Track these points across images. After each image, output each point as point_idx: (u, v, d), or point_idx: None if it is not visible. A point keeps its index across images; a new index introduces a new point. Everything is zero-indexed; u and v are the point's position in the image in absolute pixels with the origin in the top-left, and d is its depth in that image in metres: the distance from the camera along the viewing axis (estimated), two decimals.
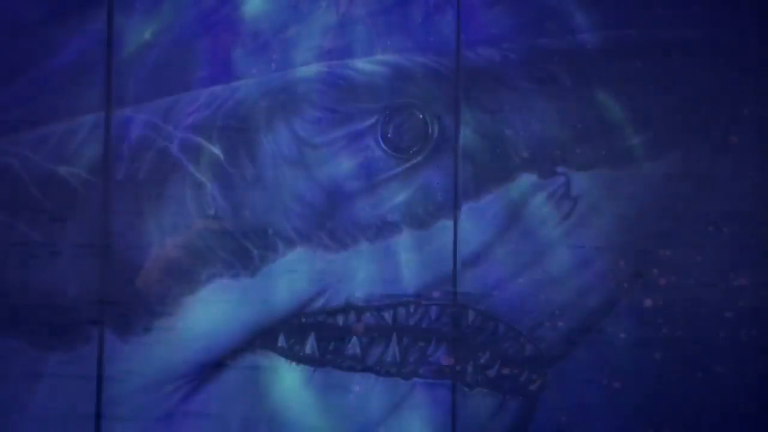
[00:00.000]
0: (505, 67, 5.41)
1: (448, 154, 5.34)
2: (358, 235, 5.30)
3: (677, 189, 5.43)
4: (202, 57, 5.30)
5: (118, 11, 5.26)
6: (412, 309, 5.33)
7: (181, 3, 5.32)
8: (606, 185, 5.39)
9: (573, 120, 5.41)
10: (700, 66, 5.45)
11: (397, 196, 5.31)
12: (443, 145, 5.34)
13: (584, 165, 5.40)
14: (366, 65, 5.37)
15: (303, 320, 5.30)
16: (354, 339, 5.32)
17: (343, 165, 5.31)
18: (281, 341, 5.30)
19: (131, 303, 5.19)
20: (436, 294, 5.32)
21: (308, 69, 5.35)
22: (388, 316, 5.33)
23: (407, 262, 5.32)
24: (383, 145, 5.32)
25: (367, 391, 5.32)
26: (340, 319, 5.32)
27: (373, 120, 5.33)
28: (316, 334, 5.30)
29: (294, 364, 5.30)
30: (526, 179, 5.37)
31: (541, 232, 5.37)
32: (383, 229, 5.30)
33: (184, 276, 5.22)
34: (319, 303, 5.31)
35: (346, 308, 5.32)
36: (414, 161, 5.33)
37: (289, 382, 5.29)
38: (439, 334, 5.33)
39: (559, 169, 5.38)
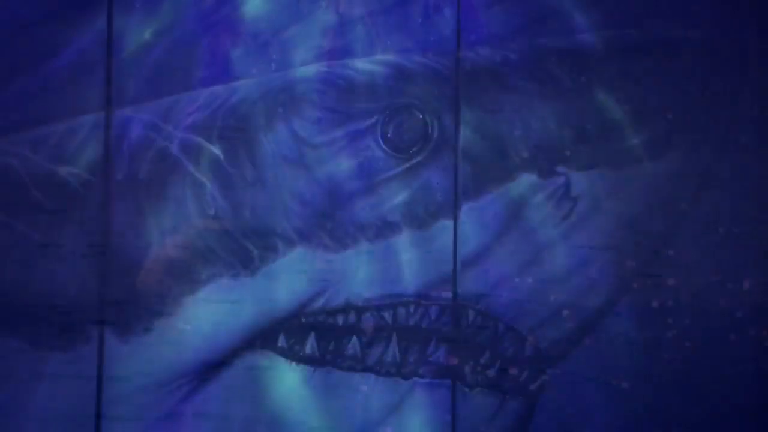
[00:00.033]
0: (505, 67, 5.41)
1: (448, 154, 5.34)
2: (358, 235, 5.30)
3: (677, 189, 5.43)
4: (202, 57, 5.30)
5: (118, 11, 5.26)
6: (412, 309, 5.33)
7: (181, 3, 5.32)
8: (606, 185, 5.38)
9: (573, 120, 5.41)
10: (700, 66, 5.45)
11: (397, 196, 5.31)
12: (443, 145, 5.34)
13: (584, 165, 5.39)
14: (366, 65, 5.37)
15: (303, 320, 5.30)
16: (354, 339, 5.32)
17: (343, 165, 5.31)
18: (281, 341, 5.30)
19: (131, 303, 5.19)
20: (436, 294, 5.32)
21: (308, 69, 5.35)
22: (388, 316, 5.33)
23: (407, 262, 5.32)
24: (383, 145, 5.32)
25: (367, 391, 5.32)
26: (340, 319, 5.32)
27: (373, 120, 5.33)
28: (316, 334, 5.30)
29: (294, 364, 5.30)
30: (526, 179, 5.37)
31: (541, 232, 5.37)
32: (383, 229, 5.30)
33: (184, 276, 5.22)
34: (319, 303, 5.31)
35: (346, 308, 5.32)
36: (414, 161, 5.33)
37: (289, 382, 5.29)
38: (439, 334, 5.34)
39: (559, 169, 5.38)
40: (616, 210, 5.39)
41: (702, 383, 5.39)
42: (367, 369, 5.33)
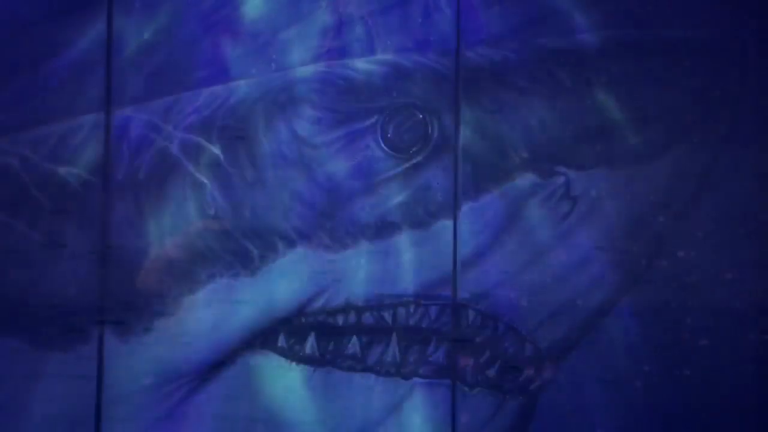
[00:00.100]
0: (505, 67, 5.40)
1: (448, 154, 5.34)
2: (358, 235, 5.30)
3: (677, 189, 5.43)
4: (202, 57, 5.31)
5: (118, 11, 5.26)
6: (412, 309, 5.33)
7: (181, 3, 5.32)
8: (606, 185, 5.38)
9: (573, 120, 5.40)
10: (700, 66, 5.44)
11: (397, 196, 5.31)
12: (443, 145, 5.34)
13: (584, 165, 5.39)
14: (366, 65, 5.37)
15: (303, 320, 5.31)
16: (354, 339, 5.32)
17: (343, 165, 5.31)
18: (281, 341, 5.30)
19: (131, 303, 5.19)
20: (435, 294, 5.32)
21: (308, 69, 5.35)
22: (388, 316, 5.33)
23: (407, 262, 5.32)
24: (383, 145, 5.32)
25: (367, 391, 5.32)
26: (340, 319, 5.32)
27: (373, 120, 5.33)
28: (316, 334, 5.30)
29: (294, 364, 5.30)
30: (526, 179, 5.36)
31: (541, 232, 5.36)
32: (383, 229, 5.30)
33: (184, 276, 5.22)
34: (319, 303, 5.31)
35: (346, 308, 5.32)
36: (414, 161, 5.33)
37: (289, 382, 5.29)
38: (439, 334, 5.34)
39: (559, 169, 5.38)
40: (616, 210, 5.38)
41: (702, 383, 5.39)
42: (367, 369, 5.33)
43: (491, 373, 5.37)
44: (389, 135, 5.33)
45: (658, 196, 5.42)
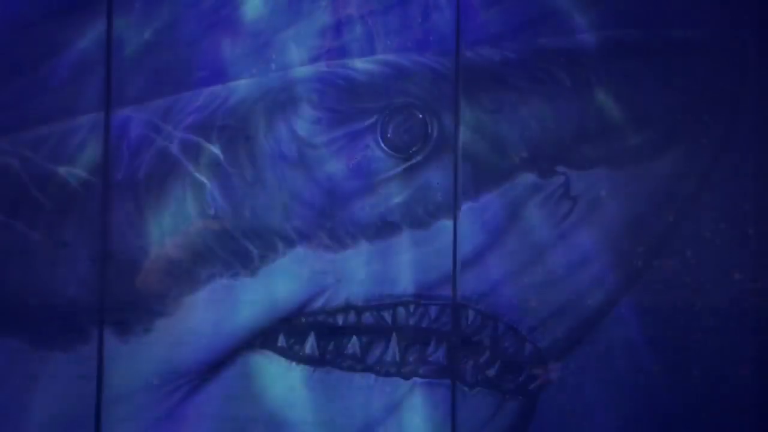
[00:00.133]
0: (505, 67, 5.41)
1: (447, 154, 5.34)
2: (358, 235, 5.30)
3: (677, 189, 5.43)
4: (202, 57, 5.31)
5: (118, 11, 5.26)
6: (412, 309, 5.33)
7: (181, 3, 5.32)
8: (606, 185, 5.38)
9: (573, 120, 5.40)
10: (700, 66, 5.44)
11: (397, 196, 5.31)
12: (443, 145, 5.34)
13: (584, 165, 5.39)
14: (366, 65, 5.37)
15: (303, 320, 5.31)
16: (354, 339, 5.32)
17: (343, 165, 5.31)
18: (281, 341, 5.30)
19: (131, 303, 5.19)
20: (435, 294, 5.32)
21: (308, 69, 5.35)
22: (388, 316, 5.33)
23: (407, 262, 5.32)
24: (383, 145, 5.32)
25: (367, 391, 5.32)
26: (340, 319, 5.32)
27: (372, 120, 5.33)
28: (316, 334, 5.30)
29: (294, 364, 5.30)
30: (526, 179, 5.36)
31: (540, 232, 5.36)
32: (383, 229, 5.30)
33: (184, 276, 5.22)
34: (319, 303, 5.31)
35: (346, 308, 5.32)
36: (414, 161, 5.33)
37: (289, 382, 5.29)
38: (438, 334, 5.34)
39: (559, 168, 5.38)
40: (615, 210, 5.38)
41: (702, 383, 5.39)
42: (367, 369, 5.33)
43: (491, 373, 5.37)
44: (389, 135, 5.33)
45: (658, 196, 5.42)
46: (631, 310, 5.41)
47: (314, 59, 5.36)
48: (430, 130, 5.34)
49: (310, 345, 5.30)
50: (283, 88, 5.33)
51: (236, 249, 5.24)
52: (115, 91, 5.23)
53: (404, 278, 5.31)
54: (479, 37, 5.41)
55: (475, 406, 5.36)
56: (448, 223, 5.32)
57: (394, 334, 5.32)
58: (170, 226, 5.23)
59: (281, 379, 5.29)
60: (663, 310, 5.40)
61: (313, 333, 5.30)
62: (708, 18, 5.47)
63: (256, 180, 5.27)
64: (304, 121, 5.32)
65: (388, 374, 5.32)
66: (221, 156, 5.27)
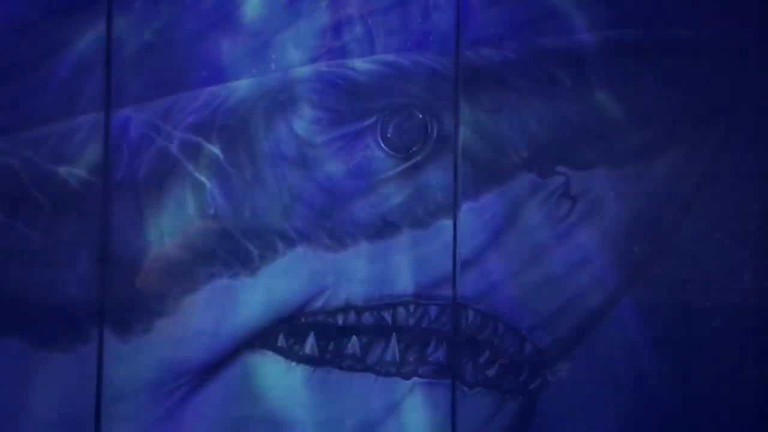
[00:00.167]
0: (505, 67, 5.41)
1: (447, 154, 5.34)
2: (358, 235, 5.30)
3: (677, 189, 5.43)
4: (202, 57, 5.31)
5: (118, 11, 5.26)
6: (411, 309, 5.33)
7: (181, 3, 5.32)
8: (606, 185, 5.38)
9: (573, 120, 5.40)
10: (700, 66, 5.44)
11: (397, 196, 5.31)
12: (443, 145, 5.34)
13: (584, 165, 5.39)
14: (365, 65, 5.37)
15: (303, 320, 5.30)
16: (354, 339, 5.32)
17: (343, 165, 5.31)
18: (281, 341, 5.30)
19: (131, 303, 5.19)
20: (435, 294, 5.32)
21: (308, 69, 5.35)
22: (387, 316, 5.33)
23: (407, 262, 5.32)
24: (383, 145, 5.32)
25: (367, 391, 5.32)
26: (340, 319, 5.32)
27: (372, 120, 5.33)
28: (316, 334, 5.30)
29: (294, 364, 5.30)
30: (526, 179, 5.36)
31: (540, 232, 5.36)
32: (383, 228, 5.30)
33: (184, 276, 5.22)
34: (319, 303, 5.31)
35: (346, 308, 5.32)
36: (413, 161, 5.33)
37: (289, 382, 5.29)
38: (438, 334, 5.33)
39: (559, 168, 5.38)
40: (615, 210, 5.38)
41: (702, 383, 5.39)
42: (367, 369, 5.33)
43: (491, 373, 5.37)
44: (389, 135, 5.33)
45: (658, 196, 5.42)
46: (631, 310, 5.41)
47: (314, 59, 5.36)
48: (430, 130, 5.34)
49: (310, 345, 5.30)
50: (283, 88, 5.33)
51: (236, 249, 5.24)
52: (115, 91, 5.23)
53: (404, 278, 5.31)
54: (479, 37, 5.41)
55: (475, 406, 5.36)
56: (448, 223, 5.32)
57: (394, 334, 5.32)
58: (170, 226, 5.23)
59: (281, 379, 5.29)
60: (663, 310, 5.40)
61: (313, 333, 5.30)
62: (708, 18, 5.47)
63: (256, 180, 5.27)
64: (303, 121, 5.31)
65: (388, 374, 5.32)
66: (221, 156, 5.27)
